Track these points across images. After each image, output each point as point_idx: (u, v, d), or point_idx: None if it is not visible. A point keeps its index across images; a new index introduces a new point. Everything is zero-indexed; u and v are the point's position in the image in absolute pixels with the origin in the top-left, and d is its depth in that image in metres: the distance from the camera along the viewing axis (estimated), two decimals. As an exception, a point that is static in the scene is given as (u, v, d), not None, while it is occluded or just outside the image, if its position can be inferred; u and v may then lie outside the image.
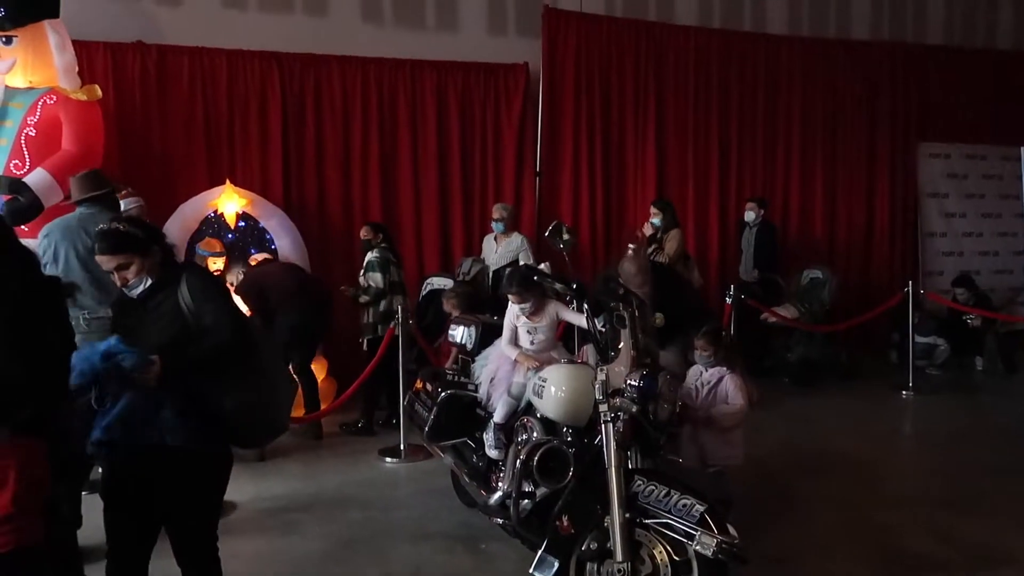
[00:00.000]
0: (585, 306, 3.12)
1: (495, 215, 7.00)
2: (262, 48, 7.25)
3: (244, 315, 2.76)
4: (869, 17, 9.33)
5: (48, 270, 4.05)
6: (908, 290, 7.43)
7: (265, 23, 7.34)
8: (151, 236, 2.69)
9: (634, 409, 2.88)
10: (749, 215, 8.03)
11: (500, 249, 6.95)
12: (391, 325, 5.65)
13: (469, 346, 4.27)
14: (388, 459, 5.45)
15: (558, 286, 3.27)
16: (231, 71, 7.20)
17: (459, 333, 4.51)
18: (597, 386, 2.95)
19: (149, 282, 2.62)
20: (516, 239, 6.94)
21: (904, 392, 7.25)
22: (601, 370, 2.98)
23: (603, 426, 2.90)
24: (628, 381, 2.92)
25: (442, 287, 6.46)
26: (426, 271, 7.55)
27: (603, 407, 2.92)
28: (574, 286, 3.17)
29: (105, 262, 2.62)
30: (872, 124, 9.16)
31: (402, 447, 5.44)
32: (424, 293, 6.71)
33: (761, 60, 8.76)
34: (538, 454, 3.06)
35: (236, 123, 7.25)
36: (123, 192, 5.20)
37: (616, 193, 8.31)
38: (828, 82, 8.93)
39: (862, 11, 9.30)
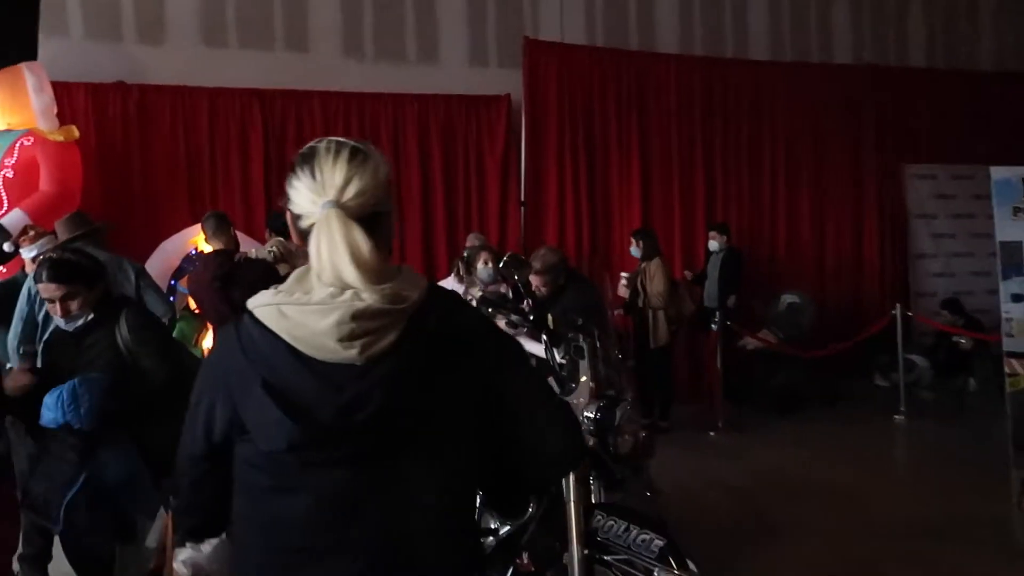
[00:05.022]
0: (544, 337, 3.07)
1: (469, 243, 6.98)
2: (244, 85, 7.30)
3: (180, 355, 2.72)
4: (851, 41, 9.37)
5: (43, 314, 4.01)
6: (897, 312, 7.35)
7: (246, 60, 7.38)
8: (98, 270, 2.67)
9: (591, 442, 2.81)
10: (713, 244, 7.84)
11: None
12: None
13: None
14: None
15: (514, 317, 3.21)
16: (212, 109, 7.24)
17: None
18: (556, 419, 2.88)
19: (90, 316, 2.59)
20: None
21: (896, 416, 7.15)
22: (560, 402, 2.91)
23: (562, 460, 2.83)
24: (585, 413, 2.85)
25: None
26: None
27: (562, 440, 2.85)
28: (531, 317, 3.12)
29: (51, 290, 2.57)
30: (856, 147, 9.14)
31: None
32: None
33: (744, 86, 8.76)
34: (498, 490, 2.98)
35: (218, 160, 7.27)
36: (31, 234, 4.80)
37: (602, 222, 8.28)
38: (812, 106, 8.92)
39: (843, 35, 9.35)
